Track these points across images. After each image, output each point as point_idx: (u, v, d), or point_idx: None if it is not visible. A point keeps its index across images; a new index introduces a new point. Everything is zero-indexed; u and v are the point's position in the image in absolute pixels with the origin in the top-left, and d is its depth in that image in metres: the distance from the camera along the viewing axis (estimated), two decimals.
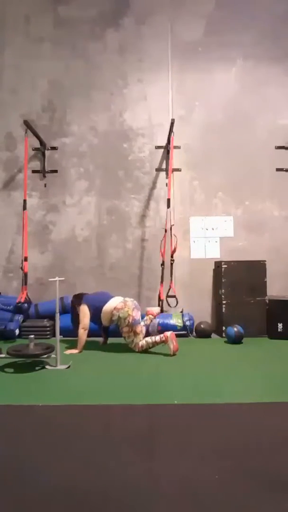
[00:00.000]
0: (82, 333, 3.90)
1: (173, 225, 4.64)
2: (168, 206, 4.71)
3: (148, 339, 3.89)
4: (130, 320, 3.84)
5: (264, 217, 5.26)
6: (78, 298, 4.08)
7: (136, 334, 3.89)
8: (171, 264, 4.55)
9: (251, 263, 4.87)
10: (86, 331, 3.93)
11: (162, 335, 3.85)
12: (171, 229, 4.62)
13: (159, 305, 4.45)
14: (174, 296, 4.42)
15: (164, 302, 4.52)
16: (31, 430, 2.16)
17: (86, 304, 3.98)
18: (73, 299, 4.15)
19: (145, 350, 3.89)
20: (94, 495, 1.55)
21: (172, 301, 4.45)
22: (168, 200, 4.73)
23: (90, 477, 1.67)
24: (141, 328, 3.95)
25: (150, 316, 4.24)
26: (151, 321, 4.28)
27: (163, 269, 4.55)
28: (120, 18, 5.34)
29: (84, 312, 3.94)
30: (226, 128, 5.27)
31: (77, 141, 5.31)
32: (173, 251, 4.58)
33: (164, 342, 3.81)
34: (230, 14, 5.29)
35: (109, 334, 4.27)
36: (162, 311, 4.36)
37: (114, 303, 3.93)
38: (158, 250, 5.17)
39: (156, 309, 4.31)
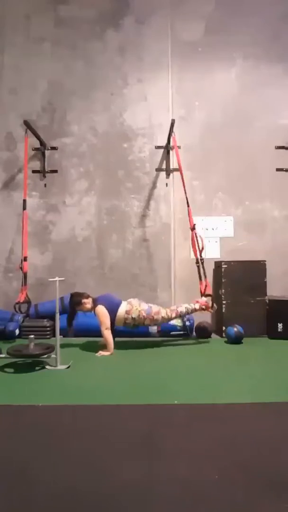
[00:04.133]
0: (108, 334, 3.91)
1: (195, 224, 4.59)
2: (188, 205, 4.63)
3: (183, 308, 4.24)
4: (144, 314, 4.07)
5: (264, 217, 5.26)
6: (81, 297, 4.06)
7: (157, 314, 4.14)
8: (202, 263, 4.50)
9: (251, 263, 4.87)
10: (110, 330, 3.95)
11: (199, 305, 4.30)
12: (194, 229, 4.55)
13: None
14: (210, 295, 4.45)
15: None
16: (31, 430, 2.16)
17: (103, 304, 4.00)
18: (76, 298, 4.08)
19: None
20: (94, 495, 1.55)
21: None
22: (186, 199, 4.64)
23: (90, 477, 1.67)
24: (157, 308, 4.19)
25: (203, 306, 4.32)
26: (200, 309, 4.34)
27: (198, 266, 4.50)
28: (120, 18, 5.33)
29: (104, 313, 3.95)
30: (226, 128, 5.26)
31: (77, 141, 5.31)
32: (201, 251, 4.52)
33: (203, 309, 4.32)
34: (230, 14, 5.28)
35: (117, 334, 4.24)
36: (213, 306, 4.40)
37: (123, 308, 4.09)
38: (158, 250, 5.20)
39: (209, 301, 4.39)
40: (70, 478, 1.68)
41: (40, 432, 2.14)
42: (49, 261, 5.21)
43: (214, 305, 4.44)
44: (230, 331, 4.38)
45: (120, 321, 4.08)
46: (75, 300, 4.08)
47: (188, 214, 4.62)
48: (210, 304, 4.38)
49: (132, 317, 4.05)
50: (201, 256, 4.52)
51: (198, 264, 4.51)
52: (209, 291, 4.49)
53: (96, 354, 3.87)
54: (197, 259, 4.53)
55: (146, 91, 5.31)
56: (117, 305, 4.09)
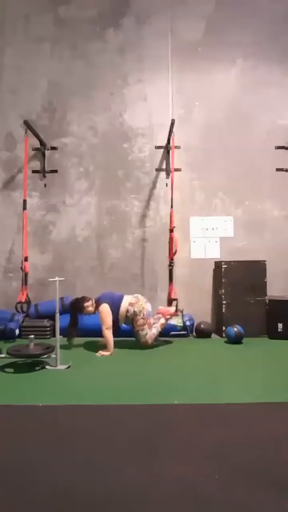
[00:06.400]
0: (109, 334, 3.89)
1: (174, 227, 4.59)
2: (171, 206, 4.66)
3: (155, 330, 4.15)
4: (145, 313, 4.04)
5: (264, 217, 5.26)
6: (82, 302, 4.03)
7: (150, 326, 4.09)
8: (171, 266, 4.50)
9: (251, 263, 4.87)
10: (111, 330, 3.93)
11: (161, 320, 4.22)
12: (172, 231, 4.56)
13: (171, 305, 4.39)
14: (175, 300, 4.38)
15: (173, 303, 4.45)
16: (31, 430, 2.16)
17: (107, 303, 3.98)
18: (77, 305, 4.05)
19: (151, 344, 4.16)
20: (94, 495, 1.55)
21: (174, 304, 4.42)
22: (171, 200, 4.67)
23: (90, 477, 1.67)
24: (152, 321, 4.16)
25: (167, 316, 4.26)
26: (166, 321, 4.28)
27: (170, 269, 4.51)
28: (120, 18, 5.33)
29: (107, 312, 3.93)
30: (226, 128, 5.26)
31: (77, 141, 5.31)
32: (174, 253, 4.51)
33: (168, 319, 4.29)
34: (230, 14, 5.28)
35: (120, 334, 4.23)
36: (177, 310, 4.33)
37: (127, 300, 4.08)
38: (158, 250, 5.18)
39: (172, 308, 4.31)
40: (70, 478, 1.68)
41: (40, 432, 2.14)
42: (49, 261, 5.21)
43: (179, 309, 4.37)
44: (230, 331, 4.38)
45: (122, 314, 4.05)
46: (77, 306, 4.05)
47: (170, 216, 4.64)
48: (172, 311, 4.30)
49: (134, 310, 4.01)
50: (172, 259, 4.50)
51: (170, 267, 4.49)
52: (174, 295, 4.41)
53: (96, 354, 3.87)
54: (170, 262, 4.51)
55: (146, 91, 5.31)
56: (119, 299, 4.08)
